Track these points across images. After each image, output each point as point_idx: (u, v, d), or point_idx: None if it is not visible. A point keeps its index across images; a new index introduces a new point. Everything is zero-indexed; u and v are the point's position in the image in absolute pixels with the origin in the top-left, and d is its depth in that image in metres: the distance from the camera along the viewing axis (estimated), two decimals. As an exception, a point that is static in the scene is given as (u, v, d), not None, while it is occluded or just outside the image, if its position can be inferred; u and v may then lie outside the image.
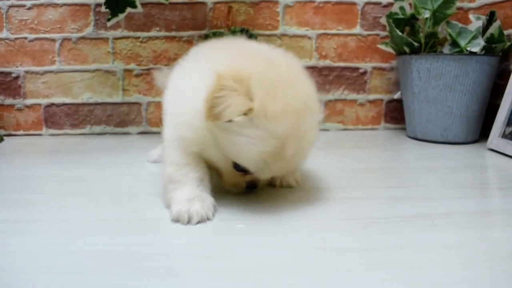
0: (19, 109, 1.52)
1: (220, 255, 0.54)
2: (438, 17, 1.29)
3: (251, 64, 0.64)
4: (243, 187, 0.73)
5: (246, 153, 0.63)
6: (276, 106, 0.61)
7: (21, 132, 1.53)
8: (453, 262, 0.52)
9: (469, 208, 0.72)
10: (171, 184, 0.70)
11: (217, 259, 0.53)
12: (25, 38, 1.48)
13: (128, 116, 1.54)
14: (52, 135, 1.53)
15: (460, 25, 1.30)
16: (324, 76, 1.54)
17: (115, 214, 0.70)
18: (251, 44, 0.79)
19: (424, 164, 1.05)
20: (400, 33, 1.30)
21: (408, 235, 0.60)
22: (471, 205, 0.74)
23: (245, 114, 0.60)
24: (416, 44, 1.30)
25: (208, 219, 0.65)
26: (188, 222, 0.64)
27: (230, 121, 0.60)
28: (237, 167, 0.68)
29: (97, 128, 1.54)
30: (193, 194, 0.68)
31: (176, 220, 0.65)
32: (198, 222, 0.64)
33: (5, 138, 1.48)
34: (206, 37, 1.39)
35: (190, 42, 1.50)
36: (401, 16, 1.37)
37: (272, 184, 0.83)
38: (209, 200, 0.68)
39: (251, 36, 1.31)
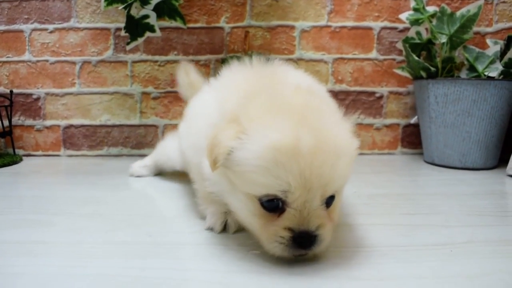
0: (39, 130, 1.55)
1: (233, 281, 0.53)
2: (455, 42, 1.29)
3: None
4: (283, 236, 0.56)
5: (257, 163, 0.54)
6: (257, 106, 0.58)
7: (39, 152, 1.56)
8: (474, 294, 0.50)
9: (489, 237, 0.70)
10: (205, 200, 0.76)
11: (229, 285, 0.52)
12: (47, 60, 1.52)
13: (145, 138, 1.55)
14: (70, 156, 1.55)
15: (477, 49, 1.30)
16: (340, 101, 1.54)
17: (129, 237, 0.70)
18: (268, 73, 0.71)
19: (442, 190, 1.03)
20: (416, 58, 1.30)
21: (427, 264, 0.59)
22: (492, 233, 0.72)
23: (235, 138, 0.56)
24: (433, 68, 1.30)
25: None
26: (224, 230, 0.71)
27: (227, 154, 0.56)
28: (263, 202, 0.57)
29: (114, 150, 1.56)
30: (224, 209, 0.71)
31: (210, 228, 0.72)
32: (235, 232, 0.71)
33: (24, 158, 1.51)
34: (223, 61, 1.40)
35: (207, 66, 1.52)
36: (418, 41, 1.37)
37: None
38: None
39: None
